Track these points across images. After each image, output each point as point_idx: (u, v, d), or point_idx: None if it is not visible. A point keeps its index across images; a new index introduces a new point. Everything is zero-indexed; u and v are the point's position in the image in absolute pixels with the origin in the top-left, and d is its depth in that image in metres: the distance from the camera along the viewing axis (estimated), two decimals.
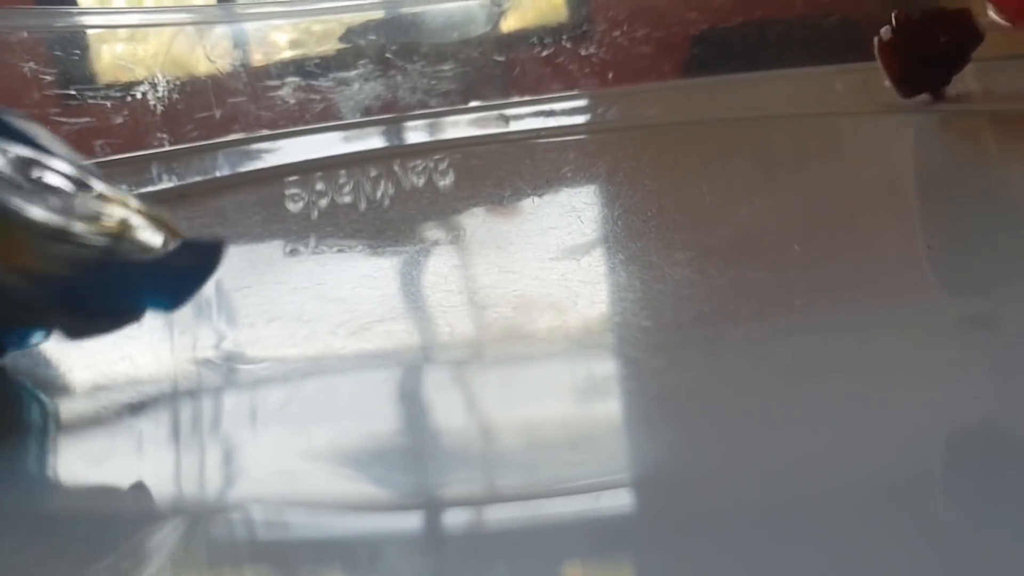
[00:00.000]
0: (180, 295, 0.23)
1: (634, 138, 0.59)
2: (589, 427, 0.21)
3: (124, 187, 0.25)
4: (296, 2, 0.72)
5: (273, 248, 0.41)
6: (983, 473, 0.17)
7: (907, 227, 0.33)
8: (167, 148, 0.61)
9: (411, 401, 0.24)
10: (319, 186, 0.48)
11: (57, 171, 0.24)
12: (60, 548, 0.18)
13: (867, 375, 0.21)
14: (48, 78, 0.60)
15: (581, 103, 0.68)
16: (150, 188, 0.54)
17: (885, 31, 0.43)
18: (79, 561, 0.18)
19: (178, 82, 0.63)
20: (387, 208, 0.43)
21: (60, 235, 0.21)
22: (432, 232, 0.39)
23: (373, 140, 0.61)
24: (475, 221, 0.38)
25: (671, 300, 0.27)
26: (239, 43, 0.69)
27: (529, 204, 0.39)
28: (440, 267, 0.33)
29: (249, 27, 0.70)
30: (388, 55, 0.69)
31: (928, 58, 0.41)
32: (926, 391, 0.20)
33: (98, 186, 0.24)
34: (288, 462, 0.20)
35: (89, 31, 0.65)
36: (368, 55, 0.69)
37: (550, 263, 0.30)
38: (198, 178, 0.57)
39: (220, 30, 0.68)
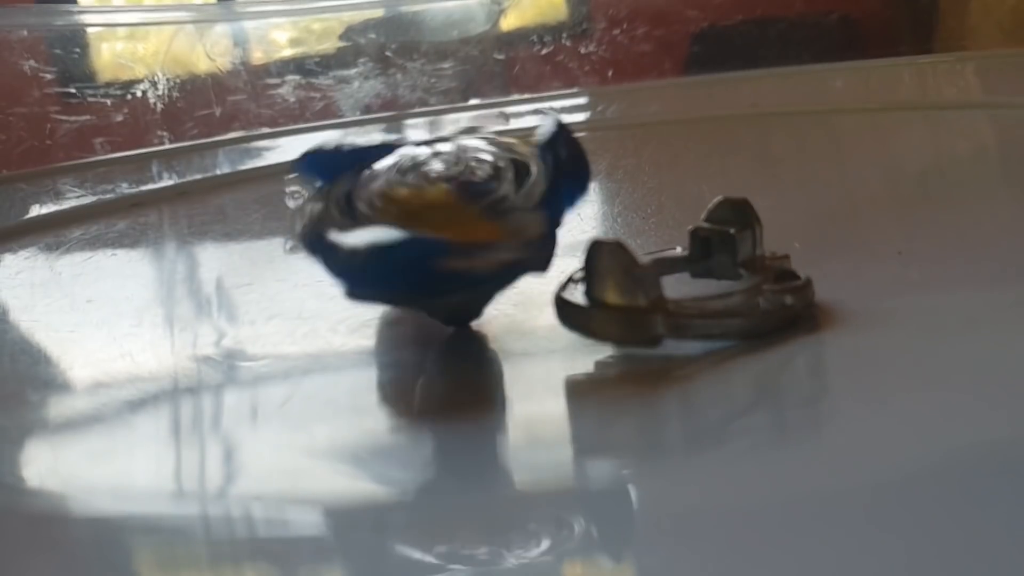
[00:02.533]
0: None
1: (634, 136, 0.59)
2: (589, 424, 0.21)
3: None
4: (296, 0, 0.72)
5: (273, 245, 0.41)
6: (977, 477, 0.17)
7: (907, 225, 0.33)
8: (167, 146, 0.61)
9: (411, 398, 0.24)
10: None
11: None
12: (59, 548, 0.18)
13: (866, 374, 0.21)
14: (48, 76, 0.60)
15: (581, 101, 0.68)
16: (150, 186, 0.54)
17: None
18: (79, 561, 0.18)
19: (178, 80, 0.63)
20: None
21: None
22: None
23: (373, 138, 0.61)
24: None
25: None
26: (239, 41, 0.69)
27: None
28: None
29: (249, 25, 0.70)
30: (388, 53, 0.69)
31: None
32: (934, 389, 0.20)
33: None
34: (288, 459, 0.20)
35: (89, 29, 0.65)
36: (368, 53, 0.69)
37: None
38: (198, 176, 0.57)
39: (220, 28, 0.68)
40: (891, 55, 0.68)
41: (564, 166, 0.24)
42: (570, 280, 0.23)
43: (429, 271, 0.22)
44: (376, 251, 0.22)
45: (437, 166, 0.24)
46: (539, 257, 0.23)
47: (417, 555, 0.16)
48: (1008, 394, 0.19)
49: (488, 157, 0.24)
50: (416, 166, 0.25)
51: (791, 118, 0.56)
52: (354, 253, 0.23)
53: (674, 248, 0.25)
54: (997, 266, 0.27)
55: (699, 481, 0.18)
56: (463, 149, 0.25)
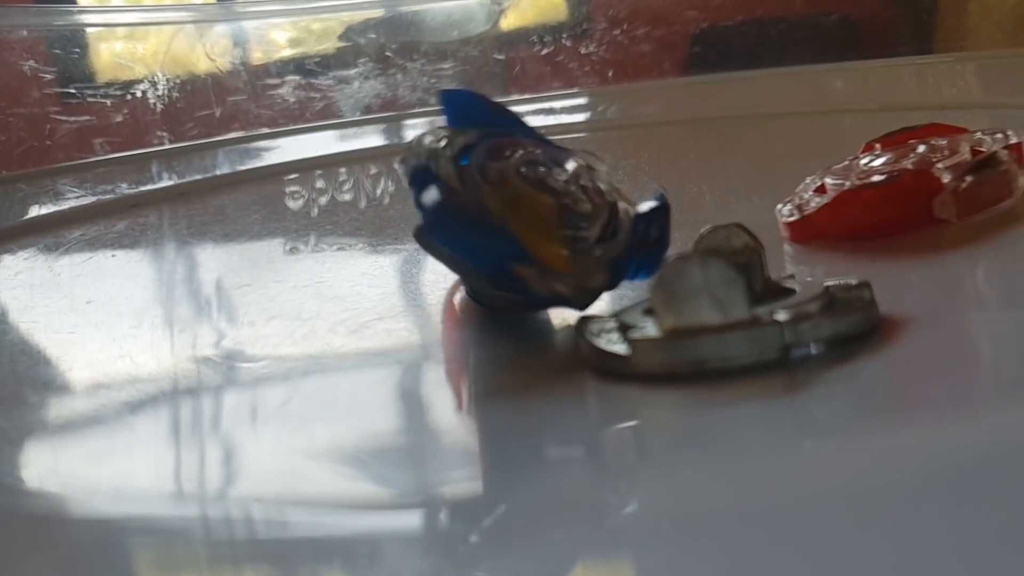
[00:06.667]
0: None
1: (634, 136, 0.59)
2: (589, 423, 0.21)
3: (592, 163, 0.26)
4: (296, 0, 0.72)
5: (273, 246, 0.41)
6: (979, 477, 0.17)
7: None
8: (167, 146, 0.61)
9: (411, 399, 0.24)
10: (319, 184, 0.48)
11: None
12: (59, 548, 0.18)
13: (864, 375, 0.21)
14: (48, 76, 0.60)
15: (581, 101, 0.68)
16: (150, 186, 0.54)
17: None
18: (79, 561, 0.18)
19: (178, 80, 0.63)
20: (387, 206, 0.43)
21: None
22: None
23: (373, 138, 0.61)
24: None
25: None
26: (239, 41, 0.69)
27: None
28: (440, 265, 0.33)
29: (249, 25, 0.70)
30: (388, 53, 0.69)
31: None
32: (945, 394, 0.20)
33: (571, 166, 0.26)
34: (288, 460, 0.20)
35: (89, 29, 0.65)
36: (368, 53, 0.69)
37: None
38: (198, 176, 0.57)
39: (220, 28, 0.68)
40: (891, 55, 0.68)
41: (648, 244, 0.25)
42: (600, 330, 0.22)
43: (502, 267, 0.23)
44: (471, 226, 0.24)
45: (559, 177, 0.25)
46: (582, 302, 0.24)
47: (417, 555, 0.16)
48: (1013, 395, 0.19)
49: (596, 195, 0.25)
50: (540, 164, 0.25)
51: (791, 118, 0.56)
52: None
53: None
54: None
55: (700, 482, 0.18)
56: (584, 175, 0.25)
